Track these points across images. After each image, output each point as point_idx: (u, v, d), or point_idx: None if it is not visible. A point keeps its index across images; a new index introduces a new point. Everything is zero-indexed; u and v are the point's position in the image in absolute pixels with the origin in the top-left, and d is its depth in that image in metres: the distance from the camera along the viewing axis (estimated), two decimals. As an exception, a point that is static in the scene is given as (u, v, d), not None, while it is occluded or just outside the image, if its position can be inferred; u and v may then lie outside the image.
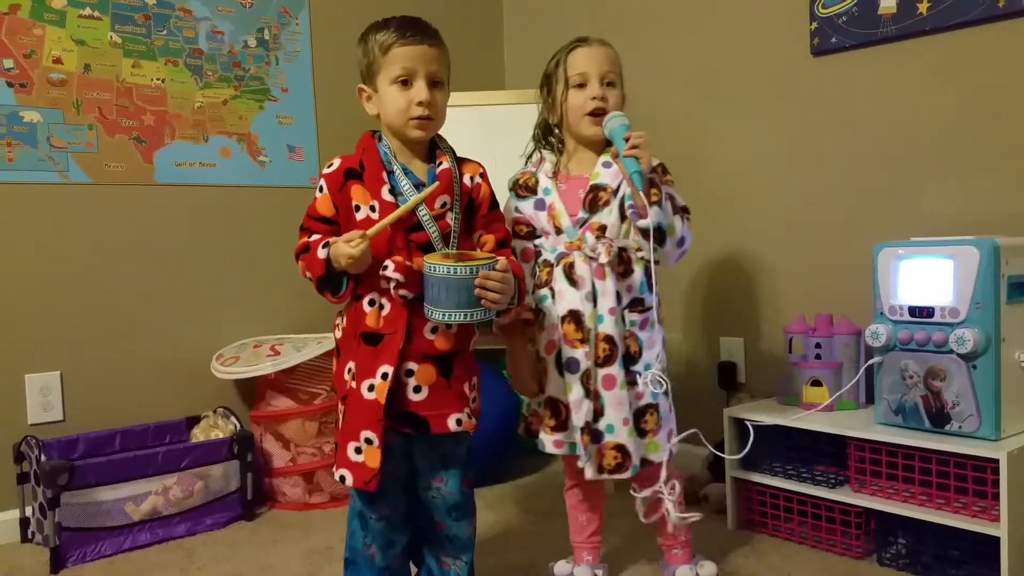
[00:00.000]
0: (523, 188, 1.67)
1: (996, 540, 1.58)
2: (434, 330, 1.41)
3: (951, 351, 1.68)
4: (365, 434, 1.39)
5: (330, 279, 1.40)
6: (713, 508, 2.09)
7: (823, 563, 1.82)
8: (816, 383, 1.99)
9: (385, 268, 1.37)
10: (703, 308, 2.52)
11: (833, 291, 2.20)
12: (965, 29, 1.97)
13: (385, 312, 1.41)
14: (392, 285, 1.37)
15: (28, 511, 2.11)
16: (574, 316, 1.56)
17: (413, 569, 1.61)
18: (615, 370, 1.55)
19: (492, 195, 1.53)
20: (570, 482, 1.73)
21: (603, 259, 1.55)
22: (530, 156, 1.74)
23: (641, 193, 1.52)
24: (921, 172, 2.07)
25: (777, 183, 2.34)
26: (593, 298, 1.56)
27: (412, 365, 1.41)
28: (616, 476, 1.56)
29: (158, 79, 2.37)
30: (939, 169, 2.04)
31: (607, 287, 1.56)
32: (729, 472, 2.00)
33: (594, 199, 1.60)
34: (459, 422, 1.44)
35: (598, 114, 1.60)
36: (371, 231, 1.35)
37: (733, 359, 2.44)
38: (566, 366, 1.56)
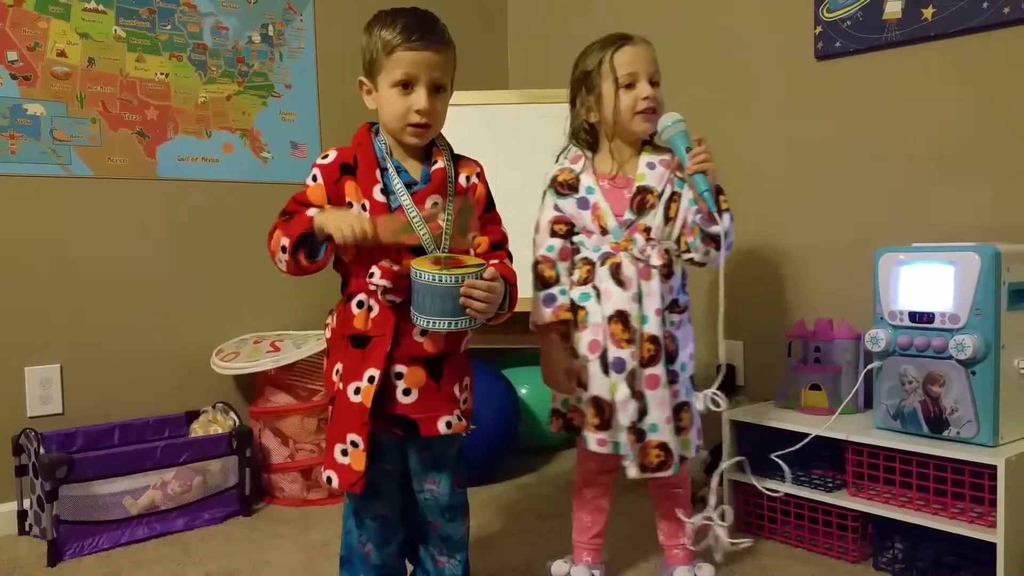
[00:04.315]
0: (564, 186, 1.66)
1: (993, 546, 1.58)
2: (423, 333, 1.40)
3: (951, 357, 1.68)
4: (351, 437, 1.39)
5: (307, 238, 1.35)
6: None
7: (819, 567, 1.82)
8: (815, 387, 1.99)
9: (371, 275, 1.35)
10: (703, 311, 2.52)
11: (833, 295, 2.21)
12: (969, 35, 1.97)
13: (373, 314, 1.40)
14: (380, 291, 1.36)
15: (26, 504, 2.11)
16: (621, 316, 1.55)
17: (409, 567, 1.61)
18: (659, 370, 1.56)
19: (489, 196, 1.51)
20: (580, 481, 1.73)
21: (655, 261, 1.57)
22: (563, 152, 1.72)
23: (712, 205, 1.53)
24: (923, 177, 2.07)
25: (778, 186, 2.34)
26: (639, 299, 1.56)
27: (401, 368, 1.40)
28: (659, 474, 1.57)
29: (162, 74, 2.38)
30: (942, 175, 2.04)
31: (652, 288, 1.57)
32: (727, 475, 2.00)
33: (642, 201, 1.60)
34: (449, 424, 1.42)
35: (648, 112, 1.59)
36: (383, 231, 1.33)
37: (732, 362, 2.44)
38: (612, 366, 1.56)
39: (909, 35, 2.06)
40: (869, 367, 1.85)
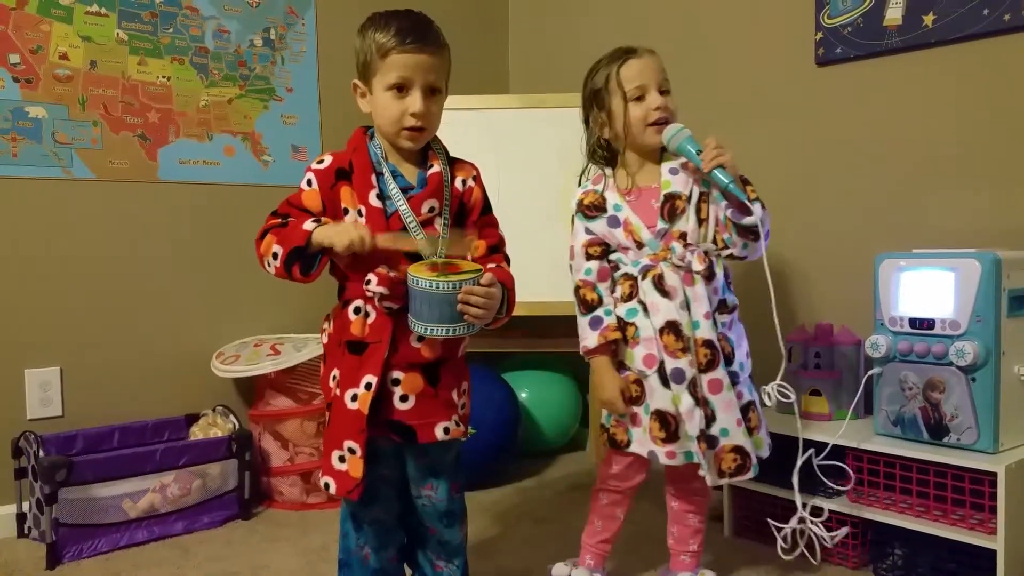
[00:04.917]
0: (591, 208, 1.64)
1: (993, 553, 1.58)
2: (420, 339, 1.39)
3: (951, 363, 1.68)
4: (348, 444, 1.38)
5: (303, 253, 1.34)
6: (709, 515, 2.09)
7: (819, 573, 1.82)
8: (815, 392, 1.99)
9: (368, 282, 1.35)
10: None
11: (834, 301, 2.21)
12: (970, 42, 1.98)
13: (371, 321, 1.39)
14: (376, 298, 1.36)
15: (25, 506, 2.11)
16: (672, 327, 1.54)
17: (408, 571, 1.60)
18: (719, 374, 1.55)
19: (485, 199, 1.50)
20: (599, 485, 1.72)
21: (697, 267, 1.56)
22: (583, 172, 1.71)
23: (741, 195, 1.52)
24: (924, 184, 2.07)
25: (779, 192, 2.33)
26: (686, 306, 1.55)
27: (398, 374, 1.39)
28: (738, 479, 1.57)
29: (164, 77, 2.38)
30: (942, 181, 2.04)
31: (698, 292, 1.56)
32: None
33: (672, 208, 1.59)
34: (447, 430, 1.42)
35: (661, 123, 1.59)
36: (382, 242, 1.33)
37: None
38: (671, 377, 1.54)
39: (909, 42, 2.06)
40: (869, 373, 1.85)
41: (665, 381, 1.55)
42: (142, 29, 2.34)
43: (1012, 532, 1.57)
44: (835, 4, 2.19)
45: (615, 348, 1.61)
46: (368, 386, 1.37)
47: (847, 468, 1.76)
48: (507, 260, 1.51)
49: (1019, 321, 1.69)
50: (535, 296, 2.19)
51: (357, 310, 1.40)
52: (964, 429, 1.68)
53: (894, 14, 2.08)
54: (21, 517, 2.12)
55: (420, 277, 1.31)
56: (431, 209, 1.41)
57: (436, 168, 1.43)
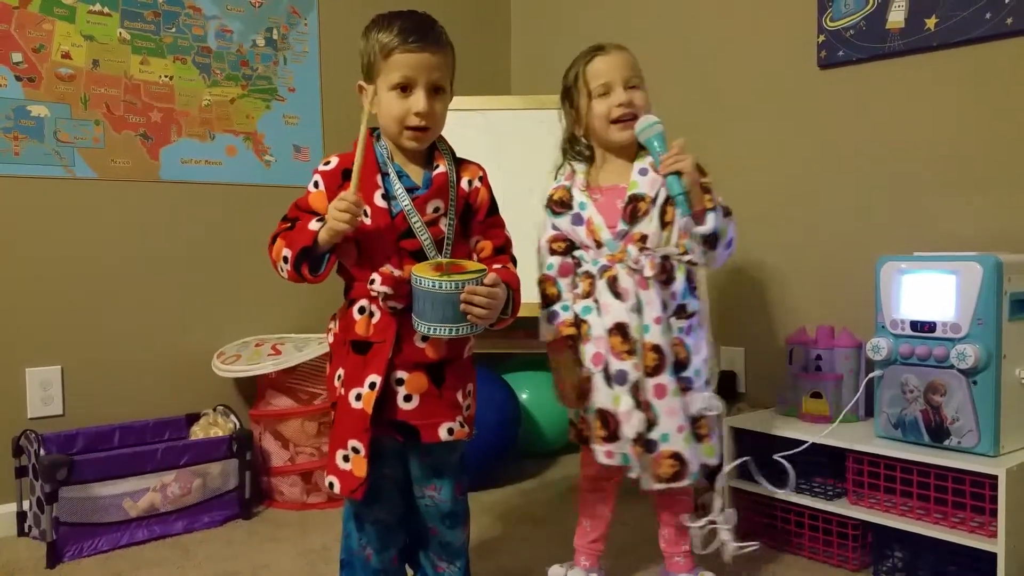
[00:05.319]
0: (558, 204, 1.65)
1: (993, 556, 1.57)
2: (425, 338, 1.39)
3: (952, 366, 1.68)
4: (352, 443, 1.38)
5: (311, 253, 1.36)
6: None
7: (819, 575, 1.82)
8: (816, 395, 1.99)
9: (372, 282, 1.35)
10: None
11: (835, 303, 2.21)
12: (972, 46, 1.98)
13: (375, 320, 1.39)
14: (381, 297, 1.36)
15: (25, 505, 2.11)
16: (620, 328, 1.55)
17: (409, 572, 1.61)
18: (665, 379, 1.55)
19: (492, 199, 1.50)
20: (584, 485, 1.73)
21: (648, 272, 1.55)
22: (559, 169, 1.72)
23: (692, 204, 1.52)
24: (926, 187, 2.08)
25: (782, 194, 2.34)
26: (638, 309, 1.55)
27: (402, 374, 1.39)
28: (674, 484, 1.56)
29: (166, 76, 2.38)
30: (944, 184, 2.05)
31: (651, 297, 1.55)
32: (728, 482, 2.00)
33: (634, 210, 1.58)
34: (451, 431, 1.42)
35: (626, 119, 1.59)
36: (356, 177, 1.33)
37: (733, 368, 2.44)
38: (614, 378, 1.55)
39: (912, 45, 2.06)
40: (870, 375, 1.85)
41: (609, 381, 1.56)
42: (145, 28, 2.34)
43: (1013, 535, 1.57)
44: (838, 7, 2.19)
45: (572, 343, 1.62)
46: (372, 385, 1.37)
47: (788, 466, 1.75)
48: (514, 261, 1.51)
49: (1020, 324, 1.69)
50: (536, 297, 2.19)
51: (362, 310, 1.40)
52: (965, 432, 1.68)
53: (897, 17, 2.09)
54: (21, 516, 2.12)
55: (423, 277, 1.31)
56: (436, 209, 1.41)
57: (441, 168, 1.44)
